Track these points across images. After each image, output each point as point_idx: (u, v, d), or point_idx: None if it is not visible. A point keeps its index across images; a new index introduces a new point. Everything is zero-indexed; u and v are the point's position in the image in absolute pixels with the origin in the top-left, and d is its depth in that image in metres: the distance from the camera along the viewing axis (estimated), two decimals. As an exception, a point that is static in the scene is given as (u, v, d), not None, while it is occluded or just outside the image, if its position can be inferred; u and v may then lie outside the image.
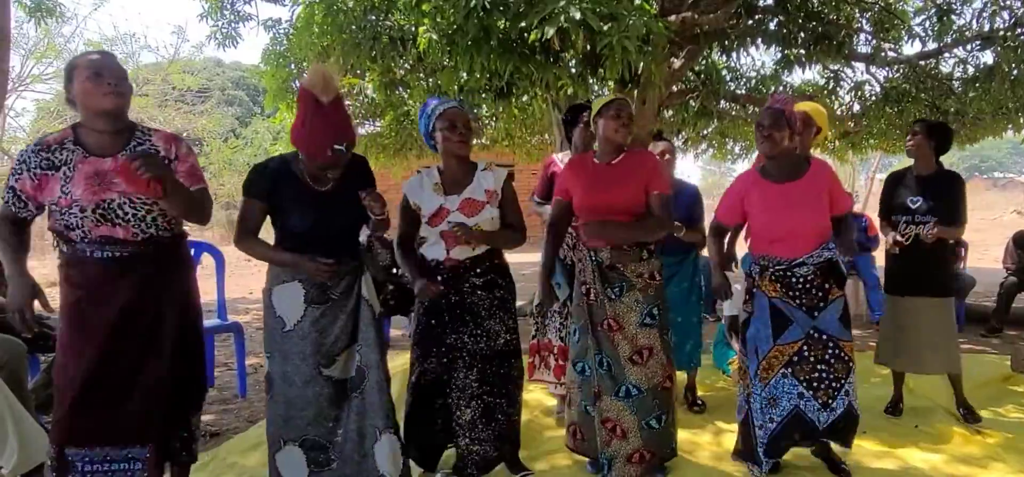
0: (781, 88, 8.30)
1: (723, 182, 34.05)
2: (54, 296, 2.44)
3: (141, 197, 2.38)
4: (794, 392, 3.03)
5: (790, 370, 3.03)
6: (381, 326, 2.86)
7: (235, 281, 11.51)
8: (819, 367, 3.02)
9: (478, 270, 2.99)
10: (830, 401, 3.02)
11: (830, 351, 3.02)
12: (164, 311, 2.49)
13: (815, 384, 3.02)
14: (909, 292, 3.95)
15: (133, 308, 2.42)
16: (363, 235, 2.83)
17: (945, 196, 3.86)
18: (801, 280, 3.03)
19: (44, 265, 12.75)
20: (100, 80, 2.33)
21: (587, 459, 3.28)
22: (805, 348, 3.02)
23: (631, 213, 3.05)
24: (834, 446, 3.23)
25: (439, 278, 2.95)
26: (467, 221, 2.93)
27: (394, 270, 3.28)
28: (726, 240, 3.43)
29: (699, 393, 4.40)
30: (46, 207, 2.41)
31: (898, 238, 3.84)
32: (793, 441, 3.10)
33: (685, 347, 4.15)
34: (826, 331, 3.02)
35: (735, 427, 3.43)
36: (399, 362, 4.56)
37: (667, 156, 3.94)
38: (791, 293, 3.04)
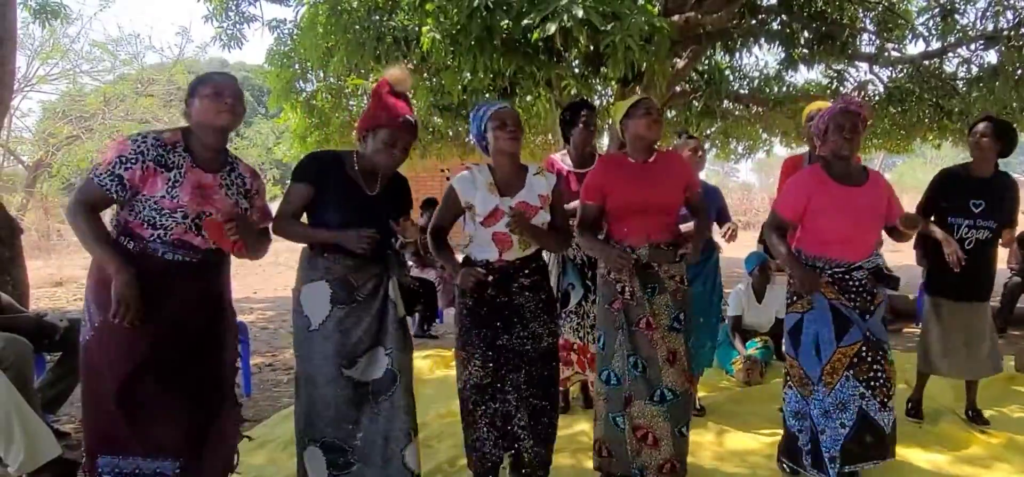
0: (784, 89, 8.30)
1: (726, 182, 33.98)
2: (58, 295, 2.44)
3: (233, 216, 2.48)
4: (857, 393, 3.01)
5: (852, 372, 3.01)
6: (407, 328, 2.86)
7: (240, 280, 11.52)
8: (875, 368, 3.02)
9: (526, 271, 2.95)
10: (887, 401, 3.02)
11: (881, 353, 3.03)
12: (212, 322, 2.54)
13: (874, 384, 3.01)
14: (970, 297, 3.81)
15: (184, 315, 2.44)
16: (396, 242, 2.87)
17: (1006, 200, 3.75)
18: (856, 283, 3.04)
19: (48, 265, 12.82)
20: (220, 99, 2.43)
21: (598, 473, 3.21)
22: (864, 349, 3.02)
23: (671, 211, 3.08)
24: None
25: (490, 279, 2.89)
26: None
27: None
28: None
29: (703, 393, 4.39)
30: (130, 199, 2.38)
31: (960, 254, 3.52)
32: (866, 446, 3.02)
33: (705, 347, 4.12)
34: (875, 334, 3.04)
35: (737, 427, 3.44)
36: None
37: (699, 153, 3.93)
38: (847, 296, 3.03)
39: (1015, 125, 7.66)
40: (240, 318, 5.52)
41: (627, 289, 2.98)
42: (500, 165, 2.94)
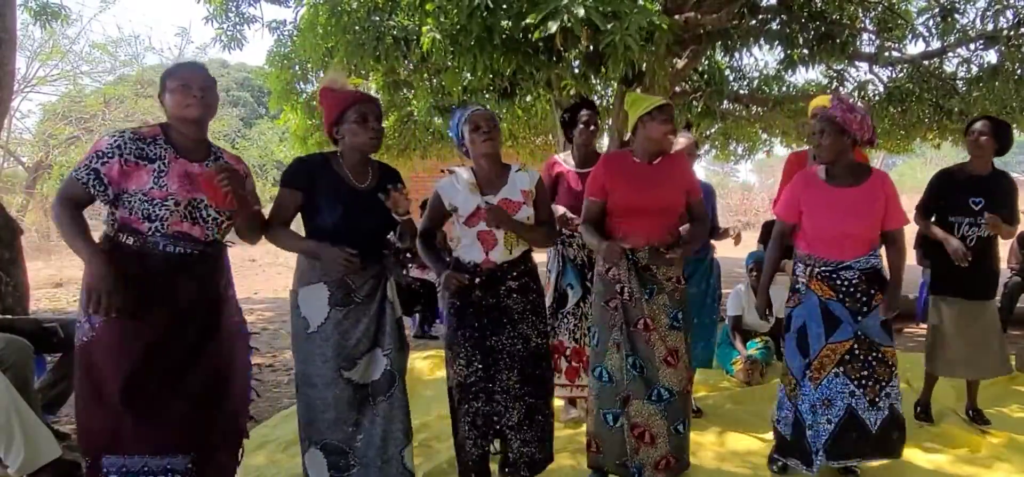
0: (784, 89, 8.31)
1: (726, 182, 34.01)
2: (58, 296, 2.44)
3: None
4: (846, 391, 3.03)
5: (842, 369, 3.03)
6: (403, 329, 2.87)
7: (240, 281, 11.53)
8: (866, 367, 3.03)
9: (514, 273, 2.97)
10: (876, 399, 3.03)
11: (874, 354, 3.04)
12: (212, 317, 2.54)
13: (865, 383, 3.03)
14: (975, 296, 3.81)
15: (185, 310, 2.44)
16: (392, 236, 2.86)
17: (1004, 196, 3.76)
18: (846, 283, 3.04)
19: (49, 266, 12.81)
20: (188, 91, 2.43)
21: (591, 471, 3.23)
22: (856, 347, 3.03)
23: (671, 214, 3.08)
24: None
25: (477, 280, 2.91)
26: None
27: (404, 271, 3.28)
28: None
29: (703, 393, 4.38)
30: (119, 196, 2.39)
31: (964, 249, 3.61)
32: (851, 442, 3.05)
33: (697, 349, 4.10)
34: (869, 335, 3.04)
35: (738, 427, 3.45)
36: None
37: (694, 152, 3.94)
38: (838, 295, 3.05)
39: (1015, 125, 7.70)
40: (240, 319, 5.53)
41: (626, 289, 2.99)
42: (480, 166, 2.98)
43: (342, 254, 2.57)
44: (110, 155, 2.35)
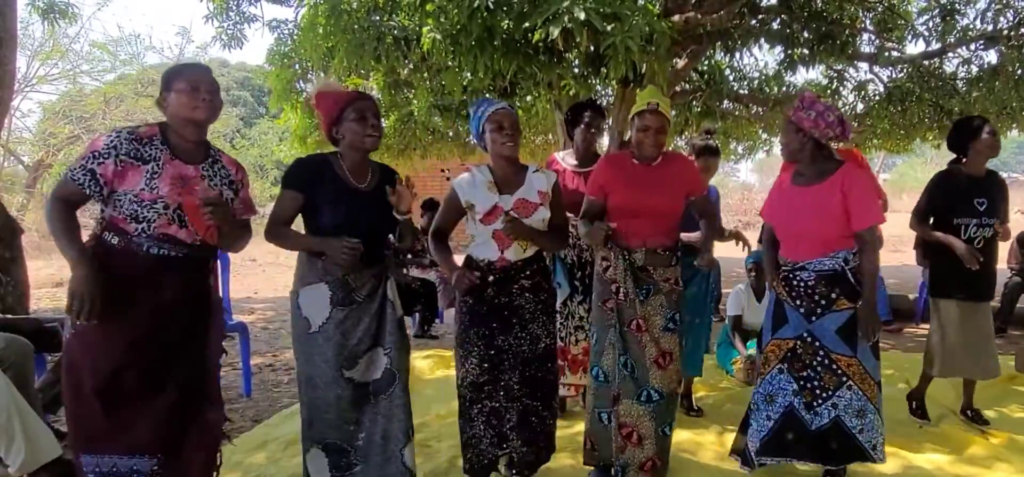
0: (784, 89, 8.30)
1: (726, 181, 33.99)
2: (58, 295, 2.43)
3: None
4: (789, 389, 3.02)
5: (786, 366, 3.03)
6: (405, 328, 2.87)
7: (239, 281, 11.54)
8: (808, 370, 3.00)
9: (527, 272, 2.97)
10: (815, 403, 2.99)
11: (819, 358, 2.98)
12: (196, 320, 2.53)
13: (803, 382, 3.01)
14: (977, 297, 3.79)
15: (168, 312, 2.43)
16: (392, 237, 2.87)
17: (1002, 196, 3.78)
18: (801, 284, 3.01)
19: (50, 265, 12.81)
20: (197, 94, 2.42)
21: (590, 468, 3.25)
22: (798, 346, 3.01)
23: (669, 216, 3.08)
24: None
25: (490, 279, 2.91)
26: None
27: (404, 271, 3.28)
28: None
29: (703, 392, 4.38)
30: (111, 195, 2.38)
31: (976, 253, 3.62)
32: (787, 442, 3.03)
33: (696, 352, 4.13)
34: (819, 339, 2.98)
35: (735, 427, 3.43)
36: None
37: (709, 168, 4.00)
38: (792, 294, 3.04)
39: (1015, 124, 7.70)
40: (240, 318, 5.55)
41: (621, 289, 3.01)
42: (499, 165, 2.96)
43: (346, 244, 2.57)
44: (106, 155, 2.35)
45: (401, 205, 2.70)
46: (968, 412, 4.02)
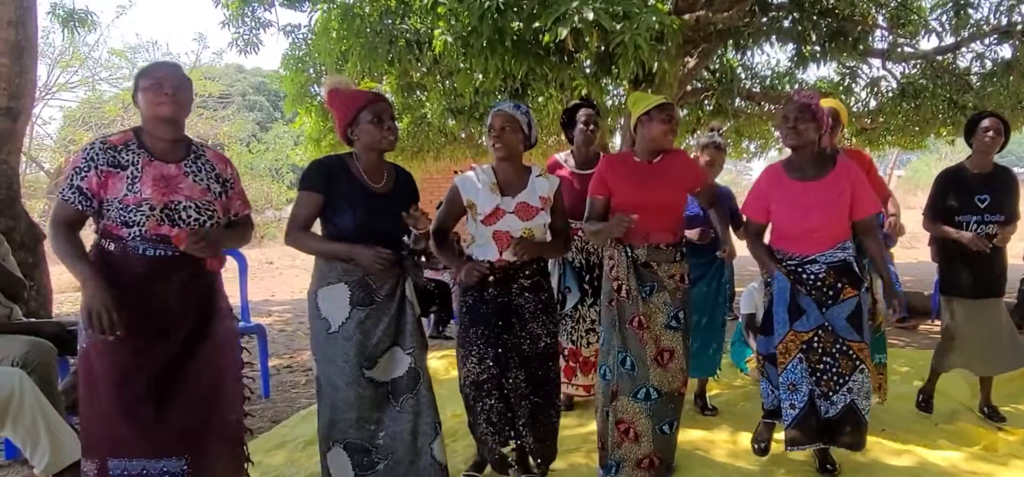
0: (797, 86, 8.28)
1: (739, 180, 33.81)
2: (79, 299, 2.45)
3: (204, 202, 2.49)
4: (809, 378, 3.05)
5: (803, 357, 3.05)
6: (423, 327, 2.90)
7: (257, 283, 11.65)
8: (825, 359, 3.04)
9: (527, 272, 3.00)
10: (831, 393, 3.04)
11: (837, 346, 3.03)
12: (202, 318, 2.55)
13: (820, 373, 3.04)
14: (984, 294, 3.77)
15: (172, 312, 2.46)
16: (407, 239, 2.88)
17: (1007, 192, 3.75)
18: (812, 276, 3.05)
19: (64, 271, 12.98)
20: (160, 90, 2.43)
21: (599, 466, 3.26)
22: (816, 339, 3.04)
23: (672, 212, 3.11)
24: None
25: (490, 279, 2.94)
26: (520, 225, 2.95)
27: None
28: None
29: (717, 390, 4.38)
30: (102, 205, 2.42)
31: (983, 239, 3.64)
32: (809, 429, 3.05)
33: (709, 350, 4.13)
34: (834, 326, 3.03)
35: (751, 425, 3.45)
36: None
37: (716, 164, 4.02)
38: (804, 288, 3.06)
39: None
40: (258, 320, 5.61)
41: (623, 287, 3.03)
42: (500, 167, 3.00)
43: (379, 255, 2.60)
44: (86, 169, 2.37)
45: (419, 226, 2.71)
46: (985, 409, 4.00)
